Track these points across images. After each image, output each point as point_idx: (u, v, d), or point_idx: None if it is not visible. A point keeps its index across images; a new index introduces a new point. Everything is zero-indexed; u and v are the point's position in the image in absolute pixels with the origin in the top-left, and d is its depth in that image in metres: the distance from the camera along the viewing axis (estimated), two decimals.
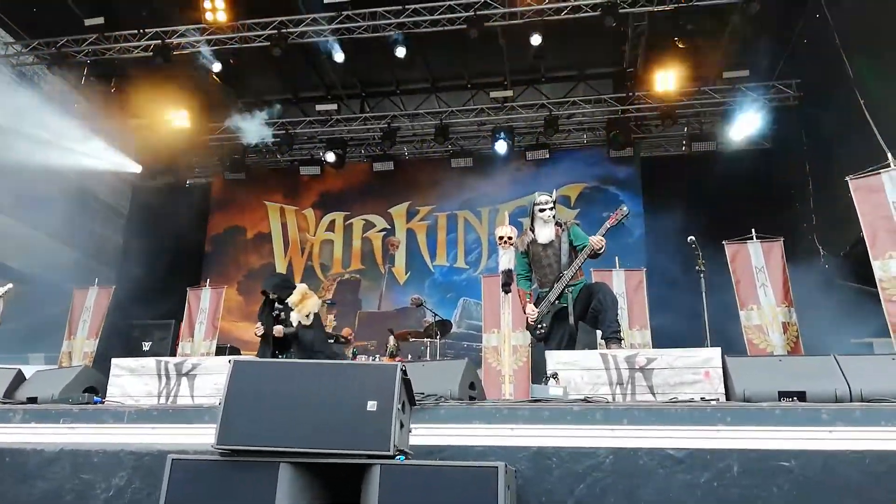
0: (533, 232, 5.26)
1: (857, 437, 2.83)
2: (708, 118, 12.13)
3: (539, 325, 5.10)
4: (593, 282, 5.23)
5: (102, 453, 3.25)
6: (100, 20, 10.47)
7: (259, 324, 6.14)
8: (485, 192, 13.12)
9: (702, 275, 5.32)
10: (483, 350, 8.29)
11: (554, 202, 5.22)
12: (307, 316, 5.99)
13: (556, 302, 5.05)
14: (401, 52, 10.38)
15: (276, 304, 6.08)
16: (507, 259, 5.41)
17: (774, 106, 11.33)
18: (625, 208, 5.13)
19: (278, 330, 6.00)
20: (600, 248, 4.92)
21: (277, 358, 6.01)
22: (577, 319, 5.02)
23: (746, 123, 11.22)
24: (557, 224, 5.18)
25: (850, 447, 2.80)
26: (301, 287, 6.18)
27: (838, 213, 8.11)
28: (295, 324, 5.99)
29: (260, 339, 6.16)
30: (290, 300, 6.02)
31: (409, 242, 13.20)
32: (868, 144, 7.76)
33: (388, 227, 13.37)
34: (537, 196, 5.29)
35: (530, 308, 5.15)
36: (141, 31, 10.61)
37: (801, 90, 10.89)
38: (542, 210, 5.19)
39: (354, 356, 9.10)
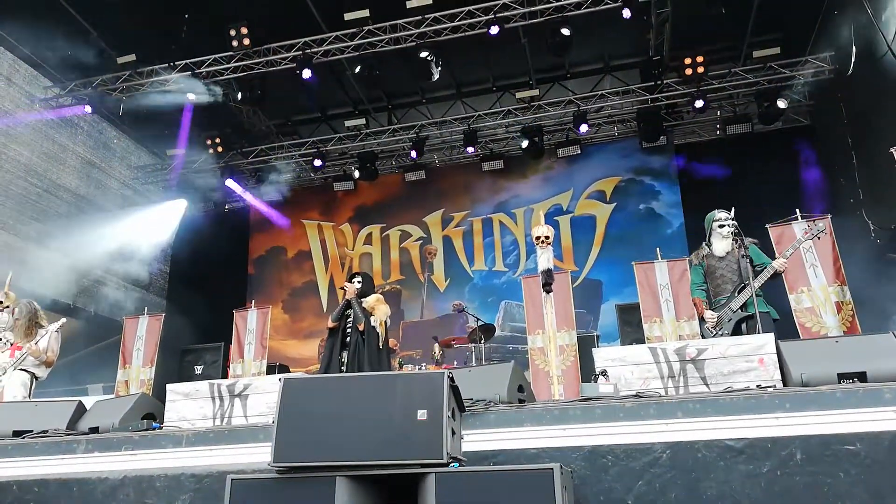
0: (709, 246, 5.68)
1: None
2: (741, 100, 11.87)
3: (719, 331, 5.41)
4: (767, 313, 5.39)
5: (164, 478, 3.33)
6: (132, 57, 10.79)
7: (330, 319, 6.23)
8: (518, 194, 13.09)
9: (747, 260, 5.27)
10: (529, 352, 8.26)
11: (733, 219, 5.57)
12: (381, 323, 6.08)
13: (739, 311, 5.36)
14: (436, 73, 10.41)
15: (350, 305, 6.15)
16: (545, 258, 5.40)
17: (809, 81, 11.04)
18: (821, 224, 5.67)
19: (350, 289, 6.06)
20: (782, 270, 5.40)
21: (341, 354, 6.05)
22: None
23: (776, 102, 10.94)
24: (734, 239, 5.48)
25: None
26: (377, 295, 6.32)
27: (885, 185, 7.85)
28: (362, 325, 6.04)
29: (328, 332, 6.23)
30: (366, 302, 6.12)
31: (447, 249, 13.23)
32: None
33: (425, 235, 13.43)
34: (717, 213, 5.67)
35: (709, 314, 5.52)
36: (171, 63, 10.90)
37: (836, 63, 10.58)
38: (721, 226, 5.56)
39: (401, 366, 9.14)
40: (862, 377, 3.26)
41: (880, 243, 9.06)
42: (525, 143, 12.04)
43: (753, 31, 10.78)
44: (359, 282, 6.21)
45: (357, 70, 10.60)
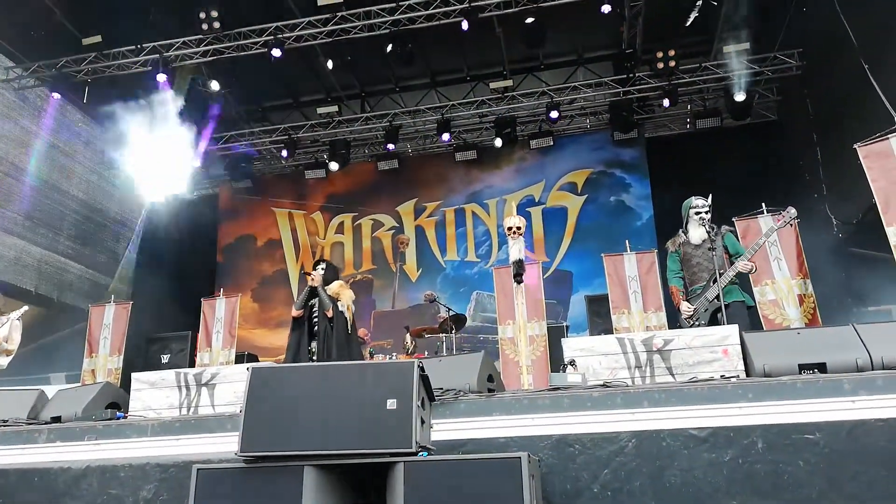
0: (686, 234, 5.61)
1: (881, 405, 2.81)
2: (711, 94, 12.05)
3: (697, 322, 5.37)
4: (742, 302, 5.44)
5: (129, 467, 3.28)
6: (97, 38, 10.51)
7: (294, 308, 6.17)
8: (491, 184, 13.11)
9: (714, 253, 5.30)
10: (499, 342, 8.30)
11: (710, 207, 5.52)
12: (347, 308, 6.04)
13: (715, 301, 5.29)
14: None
15: (314, 292, 6.10)
16: (517, 249, 5.45)
17: (777, 77, 11.23)
18: (793, 211, 5.47)
19: (316, 277, 6.03)
20: (748, 272, 5.41)
21: (310, 344, 6.02)
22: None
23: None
24: (710, 227, 5.42)
25: (875, 416, 2.78)
26: (340, 281, 6.29)
27: (849, 181, 8.03)
28: (330, 311, 6.00)
29: (292, 323, 6.17)
30: (330, 288, 6.08)
31: (419, 239, 13.22)
32: (875, 110, 7.67)
33: (397, 225, 13.39)
34: (694, 200, 5.60)
35: (685, 306, 5.47)
36: (139, 46, 10.65)
37: (804, 59, 10.77)
38: (698, 213, 5.49)
39: (371, 356, 9.12)
40: (822, 368, 3.35)
41: (842, 238, 9.29)
42: (498, 139, 12.05)
43: (724, 27, 10.90)
44: (322, 269, 6.17)
45: (329, 64, 10.51)
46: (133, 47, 10.68)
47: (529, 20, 9.67)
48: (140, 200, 13.66)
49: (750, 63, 11.08)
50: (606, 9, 9.40)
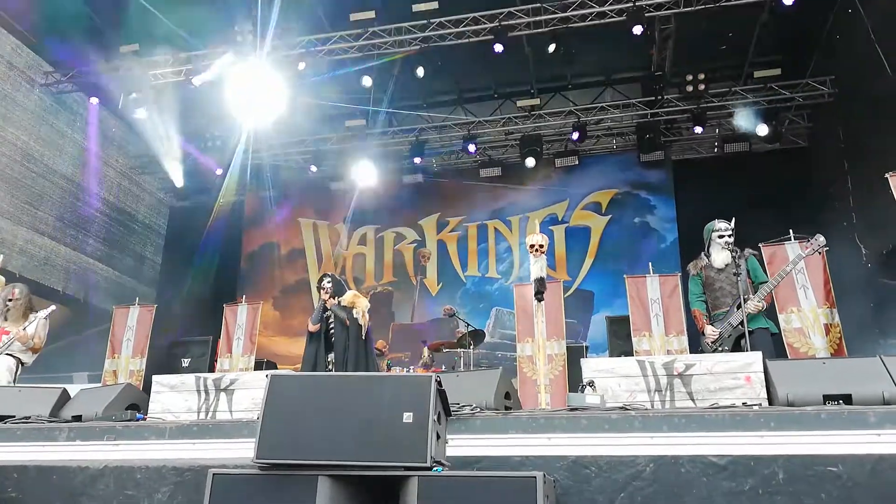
0: (708, 257, 5.49)
1: None
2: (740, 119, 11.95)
3: (720, 347, 5.23)
4: (766, 329, 5.30)
5: (145, 469, 3.30)
6: (135, 47, 10.76)
7: (311, 322, 6.22)
8: (514, 201, 13.11)
9: (738, 278, 5.20)
10: (517, 359, 8.25)
11: (733, 230, 5.40)
12: (362, 315, 6.09)
13: (739, 327, 5.15)
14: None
15: (328, 304, 6.16)
16: (538, 267, 5.44)
17: (809, 104, 11.11)
18: (821, 239, 5.35)
19: (331, 303, 6.09)
20: (758, 311, 5.20)
21: (326, 357, 6.07)
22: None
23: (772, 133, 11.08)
24: (733, 250, 5.32)
25: None
26: (353, 290, 6.39)
27: (879, 210, 7.88)
28: (348, 321, 6.05)
29: (307, 337, 6.22)
30: (344, 300, 6.13)
31: (440, 254, 13.24)
32: None
33: (419, 238, 13.43)
34: (717, 223, 5.50)
35: (710, 329, 5.33)
36: (173, 55, 10.88)
37: (836, 87, 10.65)
38: (721, 237, 5.38)
39: (389, 368, 9.12)
40: (847, 399, 3.27)
41: (871, 268, 9.12)
42: (530, 158, 12.04)
43: (755, 52, 10.85)
44: (328, 282, 6.23)
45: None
46: (168, 56, 10.90)
47: (552, 47, 9.74)
48: (168, 205, 13.87)
49: (781, 89, 10.99)
50: (638, 30, 9.38)
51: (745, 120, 11.05)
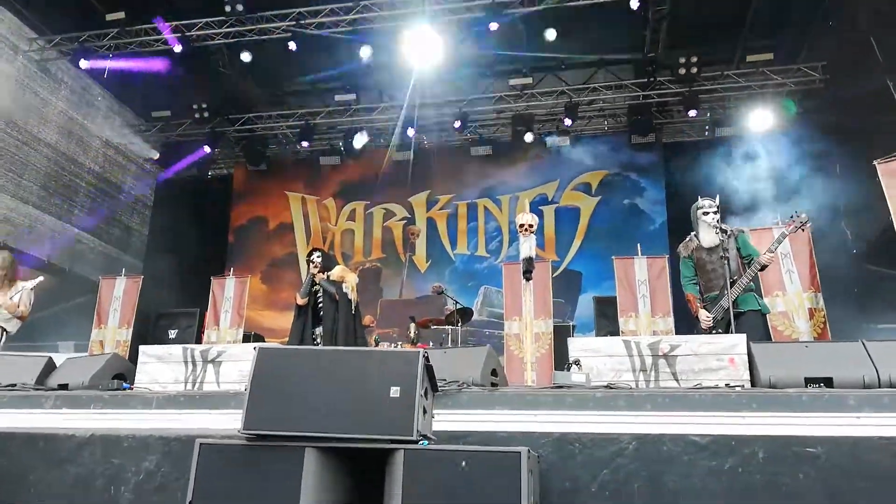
0: (697, 238, 5.28)
1: (886, 423, 2.79)
2: (732, 102, 11.95)
3: (716, 331, 5.04)
4: (759, 311, 5.11)
5: (132, 438, 3.31)
6: (121, 15, 10.56)
7: (299, 296, 6.22)
8: (505, 181, 13.10)
9: (726, 261, 5.16)
10: (505, 337, 8.30)
11: (718, 207, 5.22)
12: (353, 289, 6.10)
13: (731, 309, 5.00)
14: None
15: (317, 279, 6.16)
16: (527, 247, 5.46)
17: (799, 89, 11.13)
18: (804, 215, 5.15)
19: (320, 277, 6.11)
20: (769, 263, 5.03)
21: (313, 331, 6.09)
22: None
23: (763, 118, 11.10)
24: (721, 229, 5.13)
25: (879, 433, 2.77)
26: (341, 265, 6.44)
27: (866, 197, 7.96)
28: (338, 295, 6.06)
29: (295, 310, 6.22)
30: (333, 274, 6.15)
31: (430, 231, 13.23)
32: None
33: (409, 215, 13.40)
34: (701, 200, 5.30)
35: (704, 314, 5.13)
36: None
37: (827, 73, 10.67)
38: (705, 213, 5.18)
39: (377, 343, 9.15)
40: (828, 383, 3.32)
41: (857, 254, 9.23)
42: (529, 133, 11.97)
43: (748, 36, 10.82)
44: (318, 256, 6.23)
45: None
46: (155, 25, 10.72)
47: (551, 34, 9.67)
48: (155, 177, 13.74)
49: (773, 74, 10.99)
50: (635, 4, 9.30)
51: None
